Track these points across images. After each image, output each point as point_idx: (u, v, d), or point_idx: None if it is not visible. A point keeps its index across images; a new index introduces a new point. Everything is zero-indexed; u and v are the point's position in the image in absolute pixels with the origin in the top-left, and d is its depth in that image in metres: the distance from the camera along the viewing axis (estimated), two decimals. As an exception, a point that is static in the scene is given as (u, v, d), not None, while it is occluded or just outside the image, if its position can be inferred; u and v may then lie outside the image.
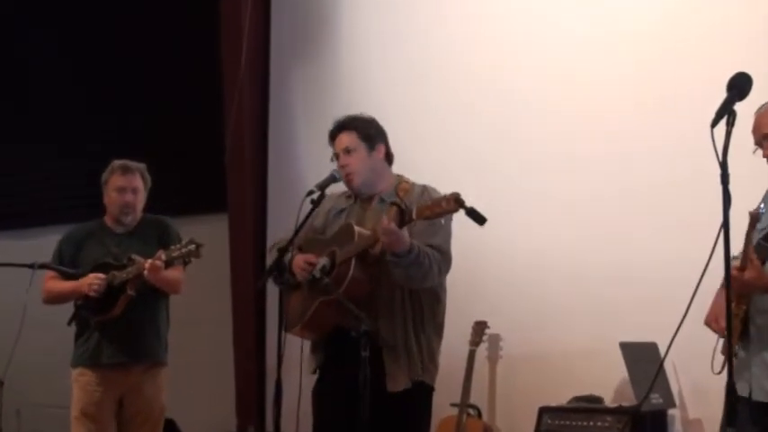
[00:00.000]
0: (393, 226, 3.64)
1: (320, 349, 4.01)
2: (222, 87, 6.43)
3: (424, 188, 4.00)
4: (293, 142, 6.38)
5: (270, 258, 4.06)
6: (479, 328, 5.16)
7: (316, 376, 4.01)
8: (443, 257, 3.87)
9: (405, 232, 3.69)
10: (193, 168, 6.79)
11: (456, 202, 3.49)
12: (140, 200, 4.91)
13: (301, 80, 6.37)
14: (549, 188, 5.32)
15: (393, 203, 3.72)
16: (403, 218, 3.65)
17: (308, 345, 4.03)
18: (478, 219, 3.47)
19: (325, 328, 3.90)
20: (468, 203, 3.46)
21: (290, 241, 3.79)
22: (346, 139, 4.00)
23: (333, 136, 4.06)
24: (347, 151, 3.99)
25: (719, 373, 3.32)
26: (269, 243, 4.42)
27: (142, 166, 4.95)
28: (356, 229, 3.85)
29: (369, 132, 4.01)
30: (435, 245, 3.82)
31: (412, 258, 3.72)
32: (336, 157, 4.02)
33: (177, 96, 6.80)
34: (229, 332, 6.38)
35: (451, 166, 5.48)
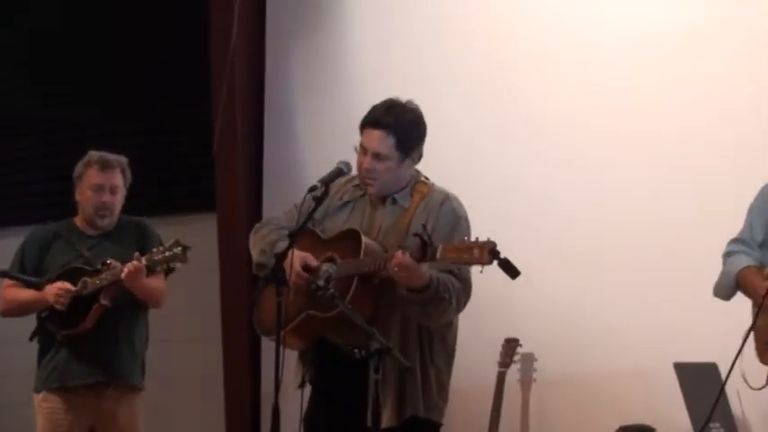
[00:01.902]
0: (410, 261, 3.63)
1: (311, 360, 4.04)
2: (210, 68, 6.42)
3: (446, 198, 4.00)
4: (292, 131, 6.38)
5: (255, 251, 4.08)
6: (510, 346, 5.14)
7: (308, 397, 4.01)
8: (464, 287, 3.87)
9: (423, 266, 3.67)
10: (177, 161, 6.79)
11: (490, 254, 3.49)
12: (119, 200, 4.91)
13: (301, 60, 6.37)
14: (592, 189, 5.36)
15: (416, 234, 3.68)
16: (424, 254, 3.63)
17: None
18: (512, 272, 3.50)
19: (316, 336, 3.93)
20: (502, 250, 3.48)
21: (290, 246, 3.77)
22: (380, 142, 3.93)
23: (366, 125, 3.98)
24: (377, 156, 3.94)
25: (763, 387, 3.32)
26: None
27: (123, 160, 4.93)
28: (363, 240, 3.85)
29: (409, 141, 3.95)
30: (455, 271, 3.81)
31: (430, 294, 3.73)
32: (362, 151, 3.98)
33: (159, 82, 6.80)
34: (219, 351, 6.38)
35: (471, 163, 5.54)
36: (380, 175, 3.95)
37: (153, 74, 6.82)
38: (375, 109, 4.00)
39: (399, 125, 3.94)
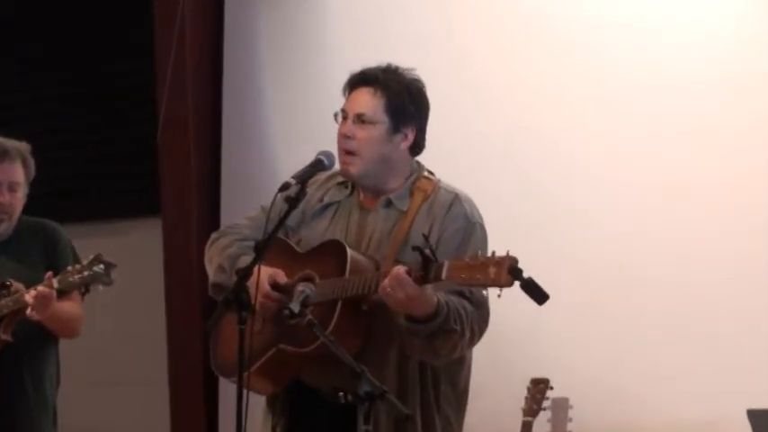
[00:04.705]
0: (408, 280, 3.59)
1: (282, 408, 4.01)
2: (153, 40, 6.48)
3: (456, 199, 3.96)
4: (257, 116, 6.43)
5: (212, 268, 4.07)
6: (538, 389, 5.10)
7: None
8: (480, 313, 3.83)
9: (427, 289, 3.63)
10: (111, 153, 6.81)
11: (510, 273, 3.44)
12: (20, 199, 4.84)
13: (268, 31, 6.44)
14: (647, 206, 5.42)
15: (415, 248, 3.63)
16: (427, 272, 3.59)
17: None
18: (538, 296, 3.47)
19: (290, 376, 3.92)
20: (525, 269, 3.43)
21: (255, 260, 3.71)
22: (366, 101, 3.92)
23: (351, 86, 3.99)
24: (359, 119, 3.91)
25: None
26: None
27: (24, 146, 4.86)
28: (349, 254, 3.81)
29: (403, 106, 3.92)
30: (467, 293, 3.78)
31: (438, 325, 3.69)
32: (343, 116, 3.94)
33: (88, 52, 6.86)
34: (165, 395, 6.32)
35: (480, 159, 5.59)
36: (362, 146, 3.89)
37: (82, 42, 6.85)
38: (366, 68, 3.99)
39: (391, 86, 3.92)
